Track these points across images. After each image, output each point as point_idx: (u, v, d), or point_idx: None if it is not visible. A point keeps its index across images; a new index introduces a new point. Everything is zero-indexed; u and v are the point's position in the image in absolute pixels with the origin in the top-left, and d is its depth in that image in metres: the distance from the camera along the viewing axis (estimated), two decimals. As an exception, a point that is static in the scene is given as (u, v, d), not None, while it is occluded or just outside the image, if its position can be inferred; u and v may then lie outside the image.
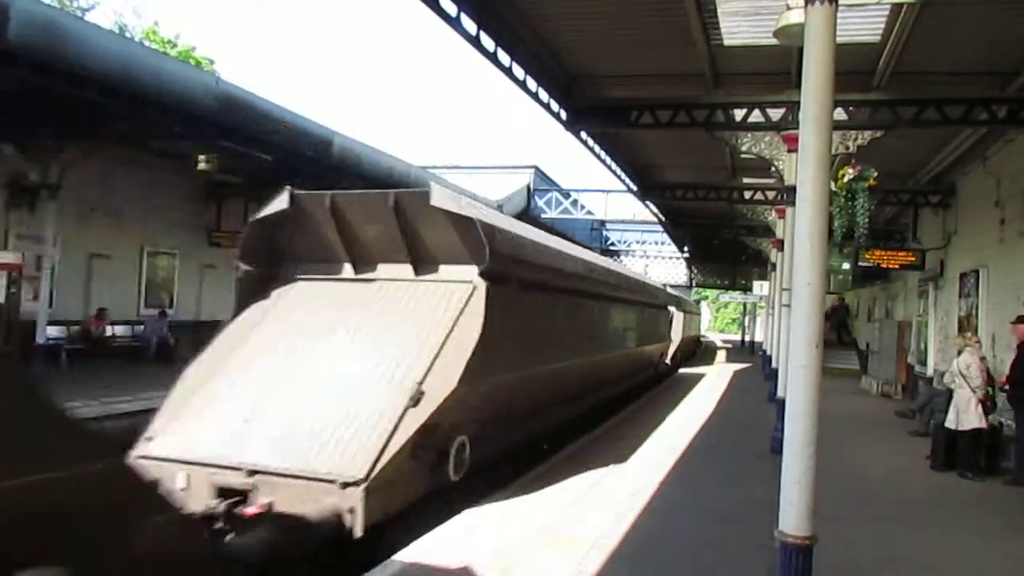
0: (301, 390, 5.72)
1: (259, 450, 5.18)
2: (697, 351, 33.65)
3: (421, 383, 5.50)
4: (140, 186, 16.52)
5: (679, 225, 28.84)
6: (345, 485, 4.82)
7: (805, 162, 3.53)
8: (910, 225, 18.12)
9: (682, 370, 23.01)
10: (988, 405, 8.52)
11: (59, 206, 13.06)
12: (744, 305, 48.69)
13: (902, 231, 19.34)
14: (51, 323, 13.68)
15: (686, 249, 37.20)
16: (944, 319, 14.81)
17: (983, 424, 8.37)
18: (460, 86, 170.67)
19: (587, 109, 11.92)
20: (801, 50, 3.62)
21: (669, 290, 22.43)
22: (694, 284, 44.67)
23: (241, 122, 12.60)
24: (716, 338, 55.88)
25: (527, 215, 26.59)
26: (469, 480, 6.11)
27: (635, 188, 20.25)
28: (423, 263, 6.64)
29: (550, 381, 8.38)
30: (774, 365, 13.29)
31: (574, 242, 15.61)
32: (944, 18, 8.35)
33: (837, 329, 27.79)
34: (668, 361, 20.98)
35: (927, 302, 16.39)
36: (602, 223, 35.81)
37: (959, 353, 9.02)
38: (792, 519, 3.39)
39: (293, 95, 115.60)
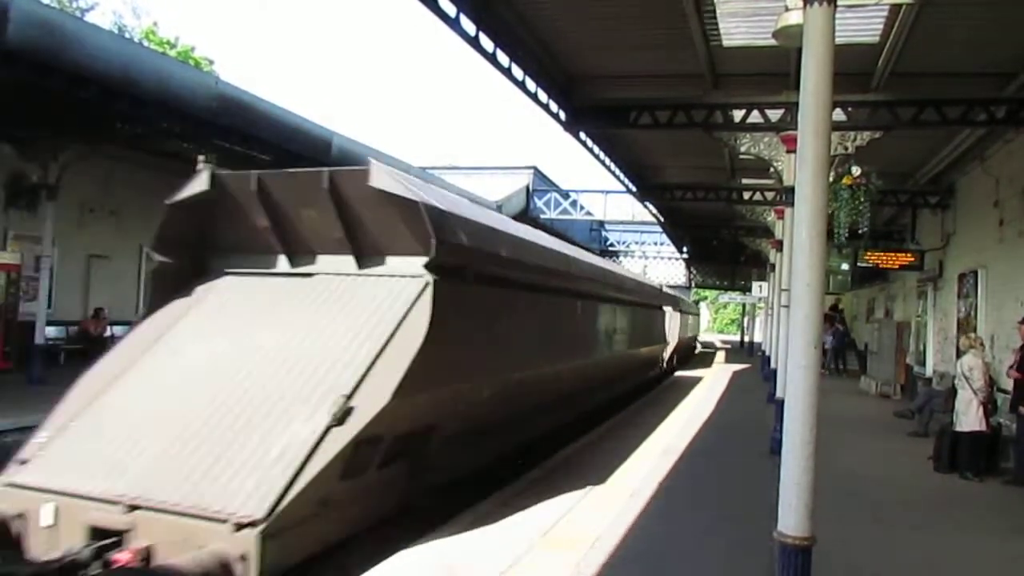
0: (207, 407, 4.80)
1: (144, 481, 4.32)
2: (693, 355, 32.96)
3: (350, 397, 4.64)
4: (139, 186, 16.47)
5: (678, 226, 28.83)
6: (239, 527, 3.96)
7: (804, 163, 3.54)
8: (909, 226, 18.14)
9: (679, 372, 22.97)
10: (989, 408, 8.52)
11: (58, 206, 13.04)
12: (743, 306, 48.74)
13: (901, 232, 19.35)
14: (50, 323, 13.67)
15: (685, 250, 37.21)
16: (943, 320, 14.81)
17: (983, 427, 8.37)
18: (459, 87, 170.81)
19: (586, 109, 11.90)
20: (800, 51, 3.63)
21: (666, 290, 22.30)
22: (693, 285, 44.73)
23: (240, 122, 12.60)
24: (715, 339, 55.96)
25: (526, 216, 26.59)
26: (423, 506, 5.55)
27: (634, 189, 20.24)
28: (367, 254, 5.79)
29: (520, 389, 7.52)
30: (773, 366, 13.28)
31: (573, 242, 15.59)
32: (943, 19, 8.35)
33: (835, 355, 22.99)
34: (664, 364, 20.86)
35: (926, 303, 16.40)
36: (601, 224, 35.83)
37: (960, 353, 9.00)
38: (791, 519, 3.39)
39: (293, 95, 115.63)
